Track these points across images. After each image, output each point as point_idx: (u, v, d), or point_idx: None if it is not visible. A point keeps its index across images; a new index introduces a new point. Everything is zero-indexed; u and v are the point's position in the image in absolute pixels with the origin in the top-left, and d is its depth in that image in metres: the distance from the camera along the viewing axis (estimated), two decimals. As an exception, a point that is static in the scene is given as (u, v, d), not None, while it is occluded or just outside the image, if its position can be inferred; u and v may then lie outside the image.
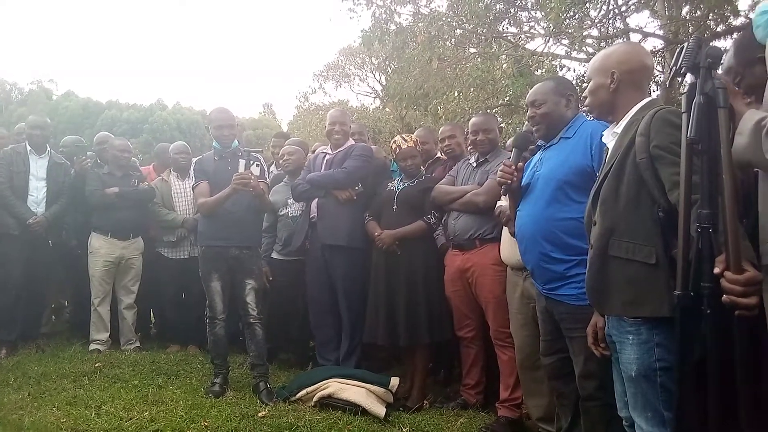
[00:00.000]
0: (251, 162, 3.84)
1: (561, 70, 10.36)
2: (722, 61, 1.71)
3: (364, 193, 4.14)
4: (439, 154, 4.48)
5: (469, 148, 3.89)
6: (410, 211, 3.85)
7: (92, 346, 4.83)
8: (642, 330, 1.91)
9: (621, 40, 10.86)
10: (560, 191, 2.53)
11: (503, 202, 3.07)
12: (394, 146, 4.03)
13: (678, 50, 1.68)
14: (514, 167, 2.72)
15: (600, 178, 2.09)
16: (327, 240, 4.11)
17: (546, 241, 2.54)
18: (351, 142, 4.30)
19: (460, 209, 3.58)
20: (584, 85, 10.01)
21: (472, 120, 3.76)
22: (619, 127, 2.11)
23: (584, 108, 2.28)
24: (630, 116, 2.08)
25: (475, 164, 3.65)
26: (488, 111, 14.03)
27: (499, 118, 14.49)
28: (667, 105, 2.08)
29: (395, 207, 3.89)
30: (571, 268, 2.48)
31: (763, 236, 1.59)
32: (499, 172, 2.77)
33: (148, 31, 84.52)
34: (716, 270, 1.51)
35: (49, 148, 4.98)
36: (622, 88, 2.12)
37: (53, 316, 5.66)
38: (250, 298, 3.89)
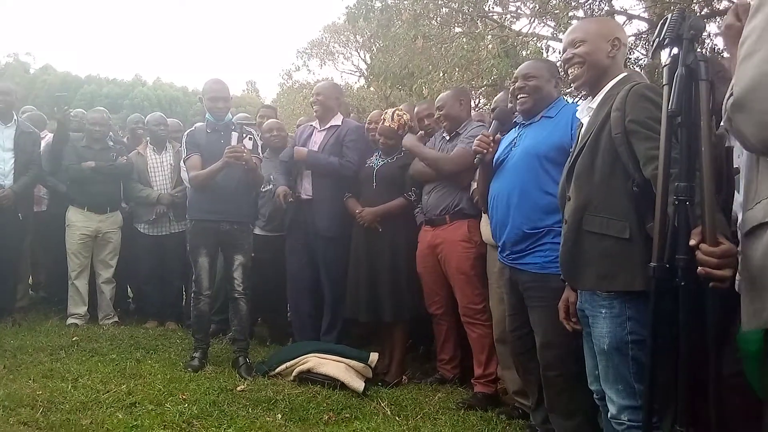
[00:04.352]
0: (244, 135, 3.79)
1: (546, 52, 10.30)
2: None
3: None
4: (421, 132, 4.44)
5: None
6: (390, 188, 3.84)
7: (70, 320, 4.79)
8: (615, 304, 1.93)
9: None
10: (539, 166, 2.57)
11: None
12: (380, 118, 3.98)
13: (661, 22, 1.67)
14: (491, 138, 2.76)
15: (574, 153, 2.09)
16: (322, 232, 4.06)
17: (520, 214, 2.58)
18: (339, 117, 4.21)
19: (428, 165, 3.57)
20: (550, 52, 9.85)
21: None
22: (595, 102, 2.11)
23: (571, 76, 2.22)
24: (605, 91, 2.09)
25: (448, 137, 3.64)
26: (472, 91, 14.01)
27: (483, 99, 14.48)
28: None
29: (375, 184, 3.88)
30: (540, 239, 2.54)
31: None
32: (476, 141, 2.80)
33: (128, 4, 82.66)
34: (692, 242, 1.53)
35: (15, 116, 4.80)
36: (618, 57, 2.13)
37: (30, 290, 5.59)
38: (238, 274, 3.87)
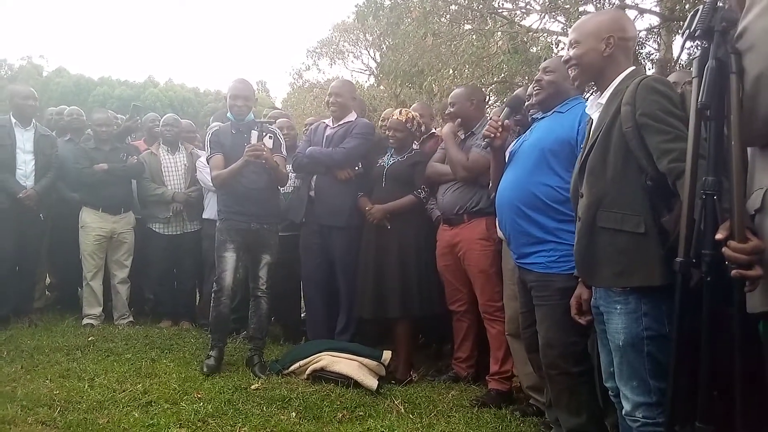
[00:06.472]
0: (264, 134, 3.80)
1: (556, 47, 10.23)
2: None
3: (363, 171, 4.13)
4: (434, 130, 4.46)
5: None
6: (400, 186, 3.85)
7: (85, 321, 4.83)
8: (630, 299, 1.92)
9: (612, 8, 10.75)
10: (543, 159, 2.59)
11: None
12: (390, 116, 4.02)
13: (692, 13, 1.63)
14: (500, 123, 2.80)
15: (586, 150, 2.07)
16: (325, 220, 4.12)
17: (523, 205, 2.60)
18: (354, 115, 4.24)
19: (449, 163, 3.59)
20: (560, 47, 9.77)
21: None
22: (604, 98, 2.09)
23: (571, 77, 2.22)
24: (614, 86, 2.07)
25: (462, 136, 3.64)
26: (483, 88, 13.93)
27: (493, 96, 14.42)
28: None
29: (384, 183, 3.89)
30: (544, 236, 2.55)
31: None
32: (486, 125, 2.87)
33: (140, 5, 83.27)
34: (718, 236, 1.49)
35: (34, 120, 4.89)
36: (615, 54, 2.10)
37: (47, 291, 5.65)
38: (263, 272, 3.89)
